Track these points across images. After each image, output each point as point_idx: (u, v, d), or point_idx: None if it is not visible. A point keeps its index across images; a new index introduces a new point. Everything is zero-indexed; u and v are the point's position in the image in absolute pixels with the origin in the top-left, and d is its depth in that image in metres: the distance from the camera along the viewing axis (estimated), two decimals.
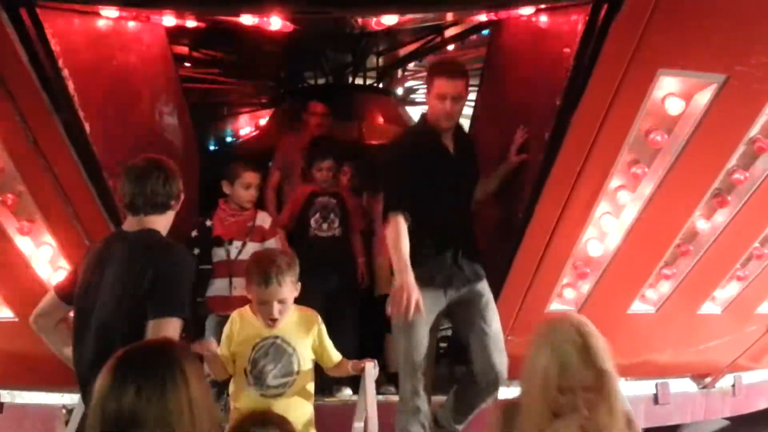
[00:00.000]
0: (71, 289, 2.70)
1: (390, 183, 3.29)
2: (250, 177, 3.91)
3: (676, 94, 3.28)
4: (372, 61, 7.56)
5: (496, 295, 3.83)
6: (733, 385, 4.94)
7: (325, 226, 4.14)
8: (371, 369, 3.07)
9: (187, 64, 6.65)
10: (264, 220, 4.00)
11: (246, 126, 8.33)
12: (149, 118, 4.15)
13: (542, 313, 4.01)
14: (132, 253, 2.57)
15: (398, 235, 3.08)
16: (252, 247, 3.85)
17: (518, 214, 3.68)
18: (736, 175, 3.54)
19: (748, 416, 5.13)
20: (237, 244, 3.87)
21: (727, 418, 5.12)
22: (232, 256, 3.84)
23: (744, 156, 3.54)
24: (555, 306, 4.02)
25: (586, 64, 3.18)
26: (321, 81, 7.36)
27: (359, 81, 7.46)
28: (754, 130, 3.45)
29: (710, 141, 3.40)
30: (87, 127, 3.29)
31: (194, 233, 3.96)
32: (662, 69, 3.17)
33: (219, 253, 3.89)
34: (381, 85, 7.60)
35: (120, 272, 2.54)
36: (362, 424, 3.12)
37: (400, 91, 8.51)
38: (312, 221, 4.14)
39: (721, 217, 3.71)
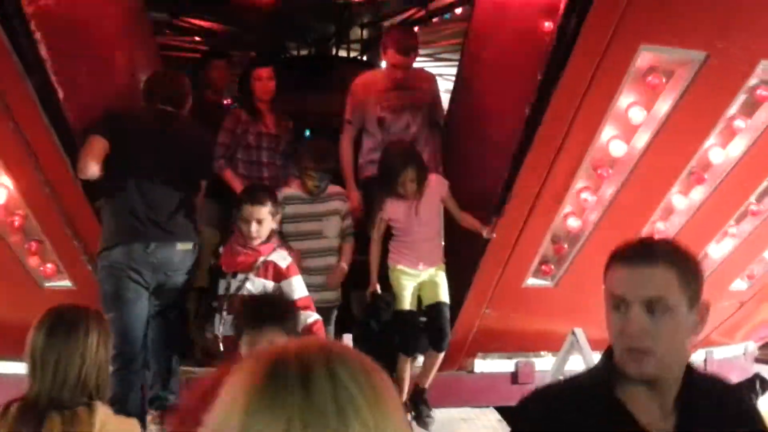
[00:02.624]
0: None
1: None
2: (250, 212, 3.30)
3: (657, 70, 3.27)
4: (356, 32, 7.49)
5: (474, 269, 3.86)
6: (705, 360, 5.02)
7: None
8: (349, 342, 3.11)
9: (168, 32, 6.55)
10: (282, 258, 3.38)
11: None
12: (124, 84, 4.07)
13: (519, 287, 4.04)
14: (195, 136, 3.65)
15: None
16: (255, 285, 3.29)
17: (498, 188, 3.68)
18: (713, 153, 3.56)
19: None
20: (240, 277, 3.34)
21: None
22: (231, 289, 3.33)
23: (722, 134, 3.55)
24: (532, 281, 4.05)
25: (569, 39, 3.15)
26: (304, 52, 7.28)
27: (343, 53, 7.39)
28: (733, 109, 3.46)
29: (689, 118, 3.40)
30: (60, 92, 3.22)
31: (212, 261, 3.86)
32: (644, 44, 3.15)
33: (220, 285, 3.42)
34: (365, 58, 7.53)
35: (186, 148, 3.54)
36: None
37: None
38: None
39: (698, 194, 3.73)
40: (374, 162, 4.10)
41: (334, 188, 3.97)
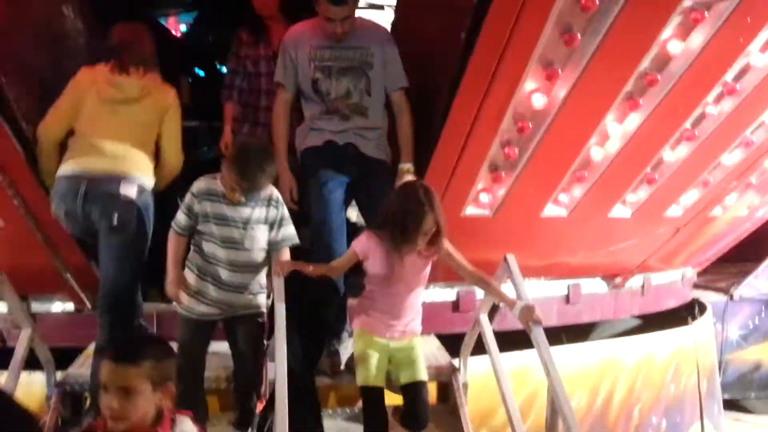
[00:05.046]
0: None
1: None
2: (111, 376, 1.96)
3: None
4: None
5: None
6: (642, 286, 5.17)
7: None
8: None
9: None
10: None
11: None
12: (48, 10, 3.85)
13: (458, 217, 4.05)
14: None
15: None
16: None
17: (433, 117, 3.63)
18: (648, 78, 3.54)
19: (657, 315, 5.41)
20: None
21: (636, 317, 5.39)
22: None
23: (656, 58, 3.53)
24: (470, 210, 4.06)
25: None
26: None
27: None
28: (667, 32, 3.43)
29: (623, 42, 3.36)
30: None
31: None
32: None
33: None
34: None
35: None
36: None
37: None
38: None
39: (633, 120, 3.74)
40: (318, 129, 3.51)
41: (266, 189, 3.13)
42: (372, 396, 2.90)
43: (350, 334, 3.40)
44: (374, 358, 2.91)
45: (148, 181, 3.30)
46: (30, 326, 3.10)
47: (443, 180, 3.77)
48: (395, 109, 3.60)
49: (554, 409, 2.60)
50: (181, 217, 3.04)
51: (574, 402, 4.13)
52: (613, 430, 4.53)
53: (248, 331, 3.08)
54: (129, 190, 3.19)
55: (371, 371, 2.90)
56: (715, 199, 4.64)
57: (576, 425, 2.44)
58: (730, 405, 6.70)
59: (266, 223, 3.08)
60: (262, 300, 3.13)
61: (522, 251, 3.86)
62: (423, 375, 3.00)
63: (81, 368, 3.49)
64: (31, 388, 3.39)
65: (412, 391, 2.96)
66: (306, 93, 3.55)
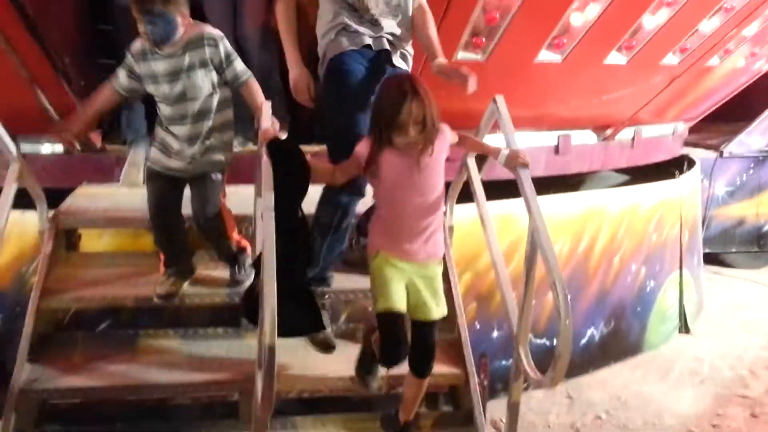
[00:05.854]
0: None
1: None
2: None
3: None
4: None
5: None
6: (633, 138, 5.17)
7: None
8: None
9: None
10: None
11: None
12: None
13: (450, 61, 3.95)
14: None
15: None
16: None
17: None
18: None
19: (645, 170, 5.45)
20: None
21: (625, 170, 5.43)
22: None
23: None
24: (462, 55, 3.96)
25: None
26: None
27: None
28: None
29: None
30: None
31: None
32: None
33: None
34: None
35: None
36: None
37: None
38: None
39: None
40: (353, 32, 2.89)
41: (194, 29, 2.87)
42: (392, 322, 2.56)
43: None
44: (395, 281, 2.58)
45: None
46: (18, 161, 3.09)
47: (435, 20, 3.64)
48: (414, 5, 3.06)
49: (533, 247, 2.63)
50: (120, 74, 2.92)
51: (557, 248, 4.24)
52: (593, 275, 4.69)
53: (202, 189, 2.97)
54: None
55: (393, 296, 2.56)
56: (713, 47, 4.53)
57: (553, 253, 2.47)
58: (712, 259, 6.92)
59: (206, 66, 2.87)
60: (222, 157, 2.99)
61: (514, 99, 3.77)
62: (437, 313, 2.66)
63: (73, 205, 3.54)
64: (24, 227, 3.46)
65: (424, 329, 2.65)
66: None
